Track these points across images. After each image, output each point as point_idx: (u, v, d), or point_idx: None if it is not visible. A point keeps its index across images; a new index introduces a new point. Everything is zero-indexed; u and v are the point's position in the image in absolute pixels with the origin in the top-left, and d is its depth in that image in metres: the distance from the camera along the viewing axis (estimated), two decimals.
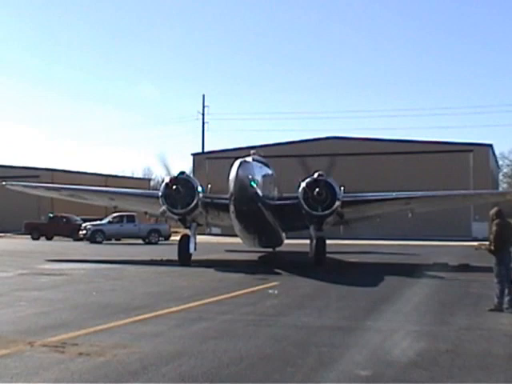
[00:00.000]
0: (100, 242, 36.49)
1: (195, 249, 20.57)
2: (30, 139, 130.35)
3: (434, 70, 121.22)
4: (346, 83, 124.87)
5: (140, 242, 37.96)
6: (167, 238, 39.87)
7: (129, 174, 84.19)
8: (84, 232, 37.21)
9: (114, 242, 38.71)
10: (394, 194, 22.49)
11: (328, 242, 21.19)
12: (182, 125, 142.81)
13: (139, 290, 13.20)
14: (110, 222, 37.93)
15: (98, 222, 38.26)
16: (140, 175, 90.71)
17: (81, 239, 37.47)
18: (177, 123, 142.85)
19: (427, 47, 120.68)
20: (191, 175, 21.19)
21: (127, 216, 37.54)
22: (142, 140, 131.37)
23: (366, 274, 17.68)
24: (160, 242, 37.45)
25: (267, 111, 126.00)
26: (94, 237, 36.76)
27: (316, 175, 19.87)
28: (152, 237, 37.62)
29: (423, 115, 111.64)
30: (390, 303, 11.55)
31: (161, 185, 20.89)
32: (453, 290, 13.74)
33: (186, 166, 73.70)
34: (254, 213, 19.06)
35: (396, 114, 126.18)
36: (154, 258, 22.69)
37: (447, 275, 16.64)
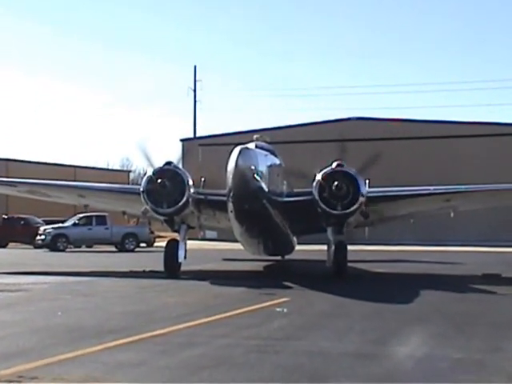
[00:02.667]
0: (63, 250, 36.56)
1: (185, 257, 20.60)
2: None
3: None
4: (369, 52, 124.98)
5: (113, 248, 38.08)
6: (149, 243, 39.94)
7: (103, 165, 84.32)
8: (42, 237, 37.13)
9: (82, 249, 38.81)
10: (432, 189, 22.45)
11: (350, 247, 21.16)
12: (168, 104, 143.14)
13: (116, 309, 13.18)
14: (75, 225, 38.00)
15: (60, 225, 38.20)
16: (117, 166, 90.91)
17: (40, 246, 37.45)
18: (162, 102, 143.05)
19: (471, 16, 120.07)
20: (180, 166, 21.18)
21: (96, 217, 37.63)
22: (117, 124, 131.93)
23: (397, 288, 17.68)
24: (139, 249, 37.55)
25: (273, 87, 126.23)
26: (54, 243, 36.81)
27: (335, 165, 19.84)
28: (128, 242, 37.66)
29: (468, 90, 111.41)
30: (426, 324, 11.52)
31: (142, 178, 20.87)
32: (507, 307, 13.67)
33: (174, 155, 73.57)
34: (257, 212, 19.05)
35: (433, 89, 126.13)
36: (134, 269, 22.72)
37: (500, 289, 16.61)
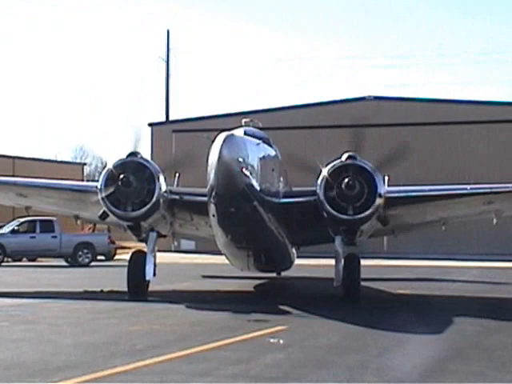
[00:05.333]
0: None
1: (154, 274, 20.58)
2: None
3: None
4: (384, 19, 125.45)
5: (62, 263, 38.00)
6: (108, 256, 39.83)
7: (50, 157, 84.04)
8: None
9: (22, 263, 38.64)
10: (469, 188, 22.45)
11: (364, 262, 21.15)
12: (133, 79, 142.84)
13: (65, 340, 13.11)
14: (13, 232, 37.85)
15: None
16: (68, 158, 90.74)
17: None
18: (125, 76, 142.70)
19: None
20: (148, 157, 21.15)
21: (41, 222, 37.48)
22: (68, 104, 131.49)
23: (424, 314, 17.65)
24: (95, 264, 37.48)
25: (267, 56, 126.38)
26: None
27: (345, 157, 19.84)
28: (81, 255, 37.58)
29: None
30: (463, 360, 11.51)
31: (100, 173, 20.80)
32: None
33: (141, 143, 73.35)
34: (246, 216, 19.04)
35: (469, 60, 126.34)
36: (90, 289, 22.67)
37: None
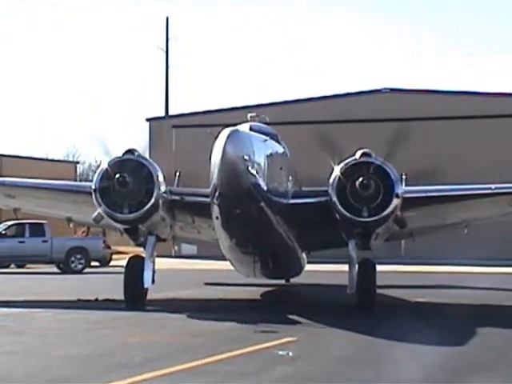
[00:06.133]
0: None
1: (153, 281, 20.54)
2: None
3: None
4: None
5: (54, 269, 38.01)
6: (103, 262, 39.83)
7: (41, 155, 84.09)
8: None
9: (10, 269, 38.64)
10: (493, 187, 22.41)
11: (379, 268, 21.12)
12: (133, 79, 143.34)
13: (57, 352, 13.11)
14: (0, 236, 37.84)
15: None
16: (60, 156, 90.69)
17: None
18: (124, 76, 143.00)
19: None
20: (146, 155, 21.13)
21: (31, 225, 37.44)
22: (67, 102, 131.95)
23: (444, 324, 17.65)
24: (89, 270, 37.48)
25: (273, 53, 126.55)
26: None
27: (359, 154, 19.82)
28: (74, 261, 37.57)
29: None
30: (487, 374, 11.50)
31: (95, 172, 20.78)
32: None
33: (138, 141, 73.48)
34: (252, 218, 19.04)
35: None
36: (83, 298, 22.66)
37: None
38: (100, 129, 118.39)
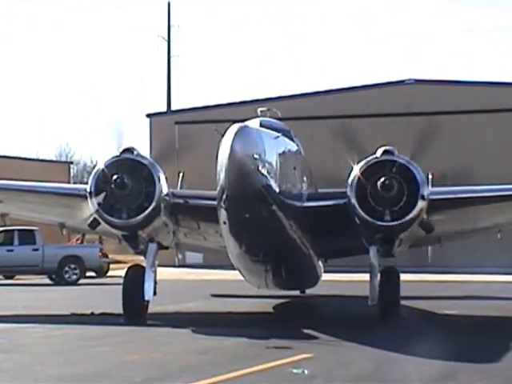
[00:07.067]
0: None
1: (155, 293, 20.60)
2: None
3: None
4: None
5: (45, 280, 38.09)
6: (100, 272, 39.89)
7: (31, 155, 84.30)
8: None
9: None
10: None
11: (404, 276, 21.08)
12: (133, 79, 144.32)
13: (49, 372, 13.11)
14: None
15: None
16: (52, 156, 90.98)
17: None
18: (122, 66, 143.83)
19: None
20: (147, 154, 21.16)
21: (20, 232, 37.47)
22: (55, 97, 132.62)
23: (476, 339, 17.63)
24: (84, 281, 37.56)
25: (273, 43, 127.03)
26: None
27: (380, 152, 19.78)
28: (68, 271, 37.64)
29: None
30: None
31: (90, 173, 20.80)
32: None
33: (137, 138, 73.74)
34: (263, 223, 19.05)
35: None
36: (78, 312, 22.70)
37: None
38: (98, 128, 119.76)
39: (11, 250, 37.56)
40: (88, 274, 38.92)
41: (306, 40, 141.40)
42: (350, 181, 19.75)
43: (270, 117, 21.27)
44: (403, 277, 20.99)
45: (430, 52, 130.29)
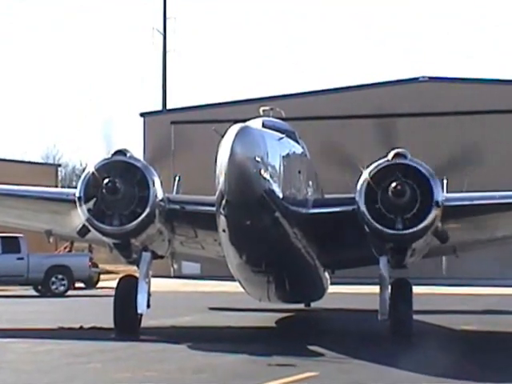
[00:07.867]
0: None
1: (149, 305, 20.62)
2: None
3: None
4: None
5: (31, 291, 38.11)
6: (90, 283, 39.89)
7: (16, 157, 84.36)
8: None
9: None
10: None
11: (417, 289, 21.08)
12: (121, 61, 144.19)
13: None
14: None
15: None
16: (38, 158, 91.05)
17: None
18: (111, 58, 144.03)
19: None
20: (141, 156, 21.20)
21: (4, 239, 37.53)
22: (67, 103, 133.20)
23: (496, 357, 17.61)
24: (73, 293, 37.57)
25: (273, 43, 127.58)
26: None
27: (391, 155, 19.78)
28: (55, 281, 37.66)
29: None
30: None
31: (79, 177, 20.81)
32: None
33: (131, 138, 73.80)
34: (266, 231, 19.08)
35: None
36: (66, 325, 22.71)
37: None
38: (88, 128, 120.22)
39: None
40: (77, 285, 38.96)
41: (306, 40, 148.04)
42: (358, 186, 19.70)
43: (274, 116, 21.29)
44: (416, 289, 20.98)
45: (429, 52, 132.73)
